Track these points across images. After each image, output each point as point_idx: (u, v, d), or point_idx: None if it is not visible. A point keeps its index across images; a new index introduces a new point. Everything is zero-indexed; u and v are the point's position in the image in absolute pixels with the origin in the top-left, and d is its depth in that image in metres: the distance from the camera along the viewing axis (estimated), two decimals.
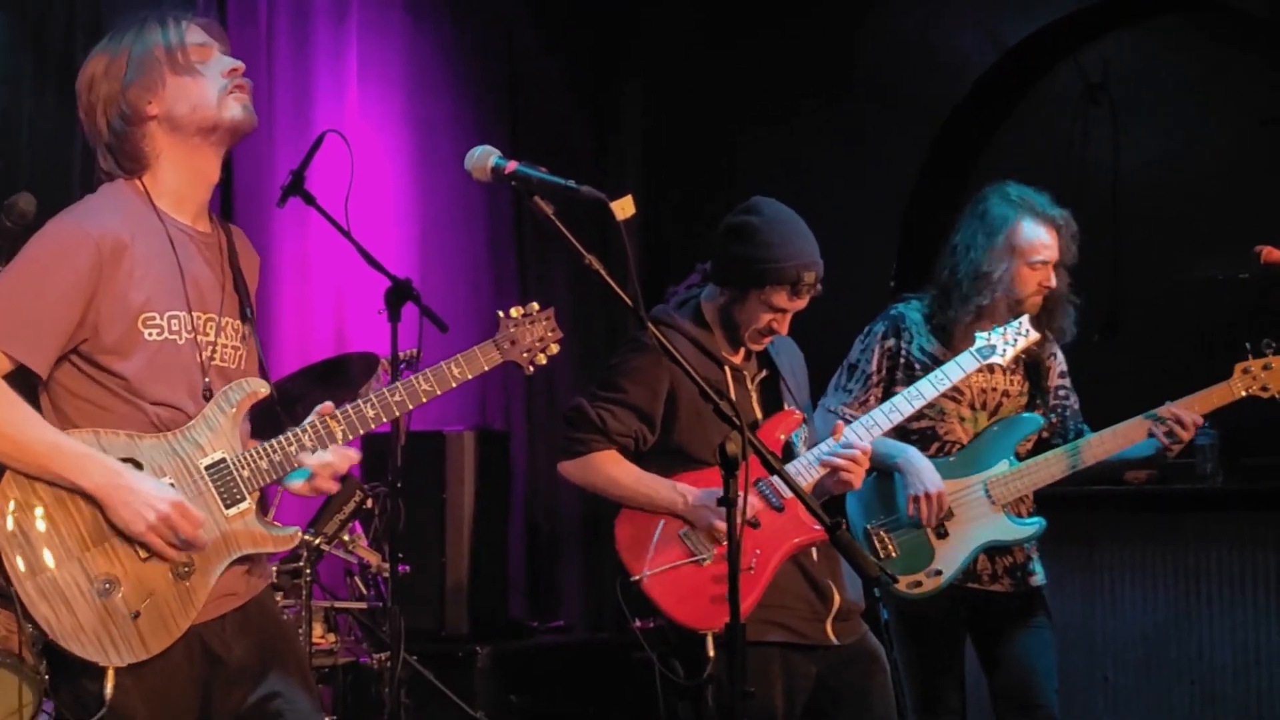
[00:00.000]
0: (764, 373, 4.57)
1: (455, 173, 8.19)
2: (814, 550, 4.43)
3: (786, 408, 4.52)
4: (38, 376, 3.34)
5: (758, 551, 4.26)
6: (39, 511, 3.26)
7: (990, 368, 4.77)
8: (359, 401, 3.50)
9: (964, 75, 7.83)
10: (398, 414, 3.53)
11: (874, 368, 5.08)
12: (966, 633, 5.15)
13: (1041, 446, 5.07)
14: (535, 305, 3.79)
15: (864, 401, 5.02)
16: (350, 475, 6.06)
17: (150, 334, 3.37)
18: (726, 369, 4.44)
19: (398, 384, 3.55)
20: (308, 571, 5.55)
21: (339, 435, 3.47)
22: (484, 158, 3.46)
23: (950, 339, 5.02)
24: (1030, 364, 5.11)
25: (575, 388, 8.68)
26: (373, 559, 6.14)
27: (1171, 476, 6.78)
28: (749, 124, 8.48)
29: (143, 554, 3.30)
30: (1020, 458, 5.00)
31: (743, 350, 4.54)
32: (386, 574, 6.14)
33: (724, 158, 8.51)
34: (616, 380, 4.45)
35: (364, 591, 6.20)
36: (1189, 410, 4.84)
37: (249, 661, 3.47)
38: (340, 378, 5.98)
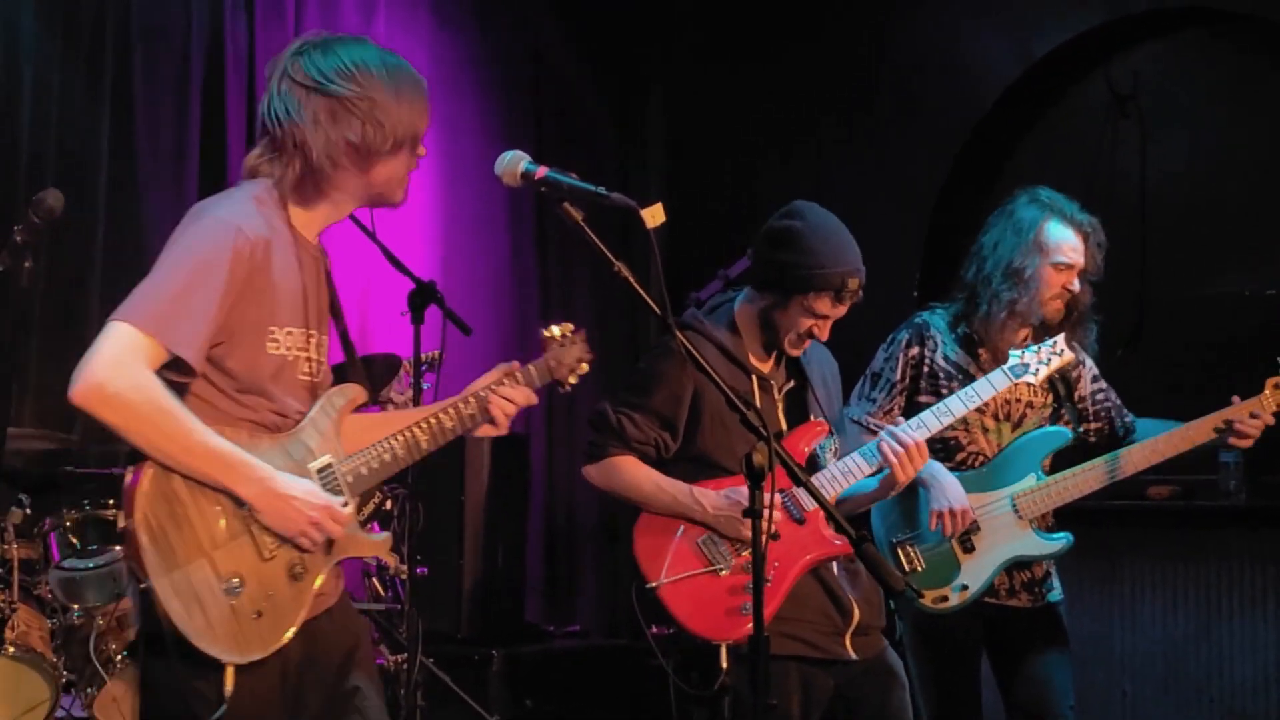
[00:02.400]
0: (791, 383, 4.54)
1: (479, 176, 8.29)
2: (834, 564, 4.41)
3: (812, 419, 4.50)
4: (172, 375, 3.35)
5: (776, 564, 4.24)
6: (176, 509, 3.29)
7: None
8: (439, 413, 3.62)
9: (992, 85, 7.82)
10: (470, 426, 3.67)
11: (898, 376, 5.05)
12: (983, 647, 5.11)
13: (1085, 454, 5.03)
14: (570, 327, 3.90)
15: (888, 410, 5.00)
16: None
17: (271, 347, 3.43)
18: (754, 378, 4.41)
19: (471, 397, 3.66)
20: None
21: (424, 443, 3.59)
22: (514, 163, 3.47)
23: (985, 340, 4.99)
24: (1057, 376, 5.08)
25: (595, 392, 8.68)
26: (391, 561, 6.12)
27: (1194, 493, 6.77)
28: (773, 131, 8.48)
29: (266, 554, 3.36)
30: (1046, 472, 4.96)
31: (773, 358, 4.51)
32: (404, 576, 6.14)
33: (747, 166, 8.51)
34: (640, 386, 4.43)
35: (381, 593, 6.20)
36: (1252, 413, 4.82)
37: (336, 657, 3.56)
38: (362, 380, 5.98)
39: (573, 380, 3.86)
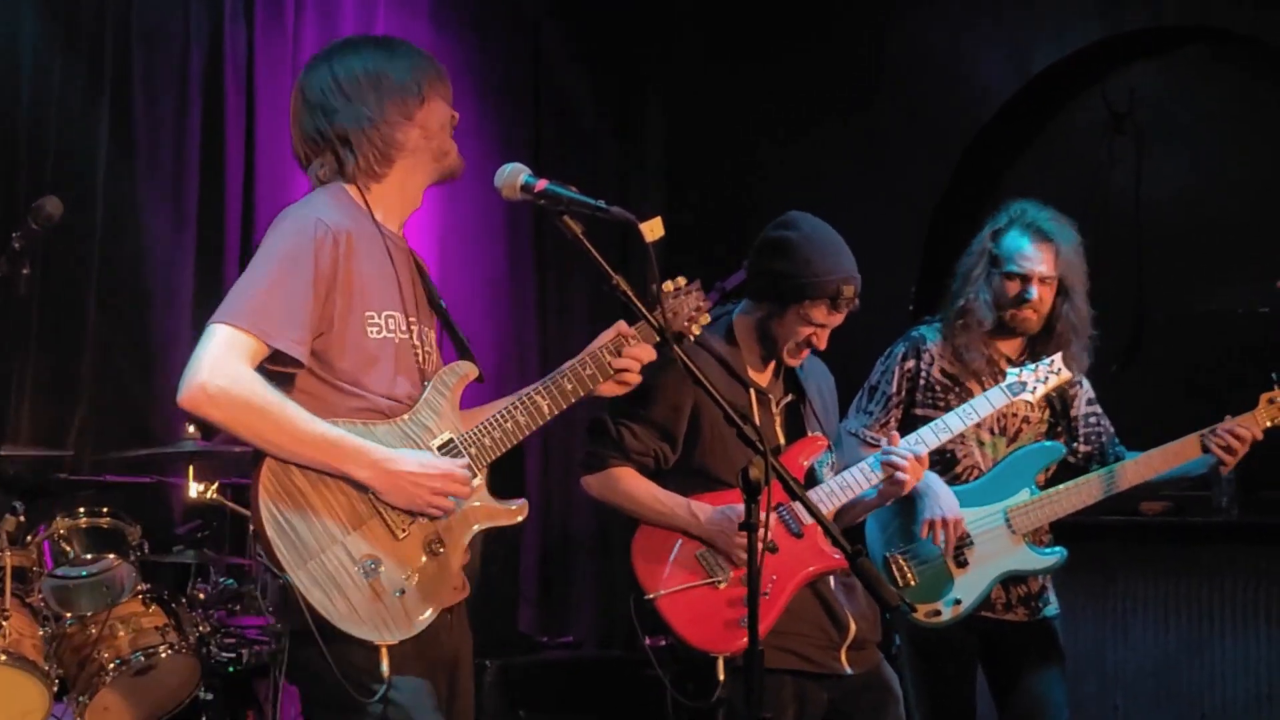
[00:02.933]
0: (789, 397, 4.55)
1: (476, 185, 8.22)
2: (831, 578, 4.42)
3: (811, 433, 4.50)
4: (276, 369, 3.41)
5: (774, 577, 4.25)
6: (299, 501, 3.35)
7: None
8: (557, 378, 3.72)
9: (989, 100, 7.83)
10: (591, 386, 3.74)
11: (894, 389, 5.07)
12: (978, 661, 5.12)
13: (1073, 473, 5.04)
14: (683, 279, 3.93)
15: (885, 423, 5.02)
16: None
17: (373, 332, 3.49)
18: (752, 391, 4.42)
19: (586, 359, 3.74)
20: None
21: (546, 407, 3.66)
22: (514, 175, 3.49)
23: (959, 351, 5.02)
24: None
25: (591, 402, 8.69)
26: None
27: (1187, 508, 6.79)
28: (771, 143, 8.49)
29: (399, 533, 3.41)
30: (1040, 487, 4.97)
31: (771, 370, 4.53)
32: None
33: (746, 177, 8.52)
34: (640, 397, 4.42)
35: None
36: (1244, 425, 4.82)
37: (454, 654, 3.64)
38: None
39: (695, 330, 3.91)
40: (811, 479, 4.43)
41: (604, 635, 8.62)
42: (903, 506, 4.92)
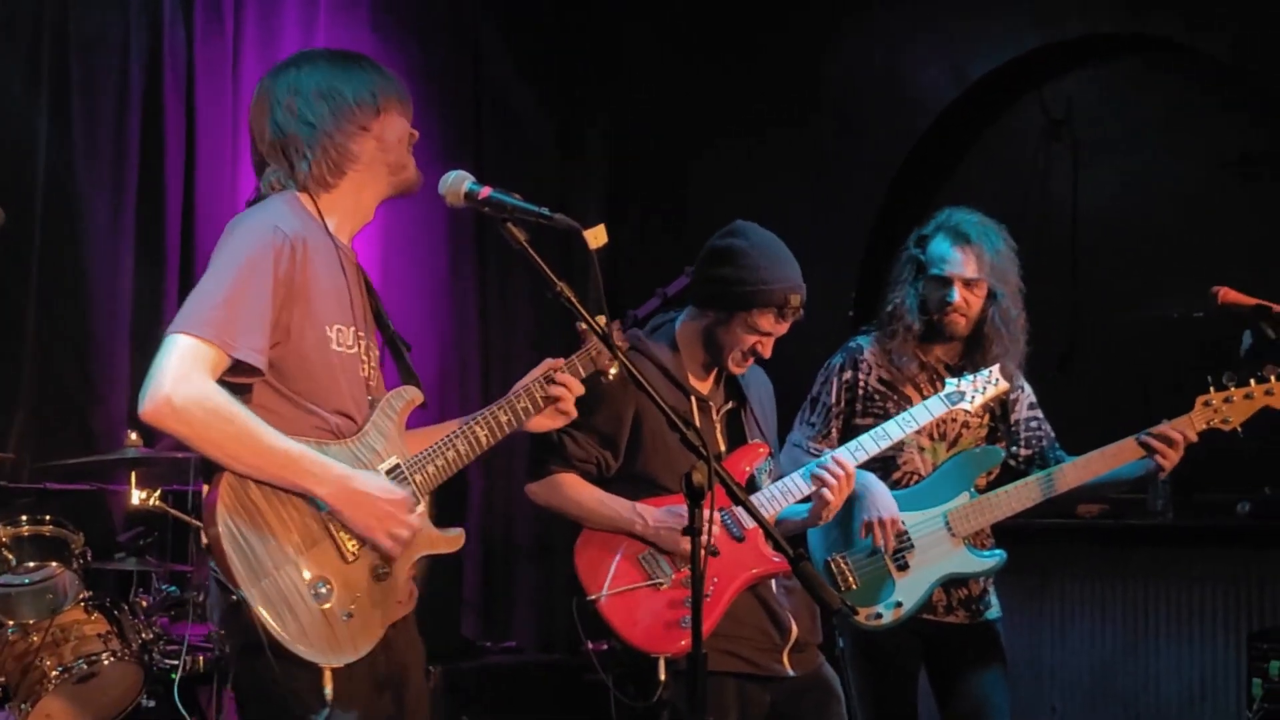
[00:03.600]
0: (730, 404, 4.58)
1: (419, 193, 8.27)
2: (773, 581, 4.45)
3: (751, 440, 4.54)
4: (234, 380, 3.37)
5: (715, 579, 4.27)
6: (256, 517, 3.32)
7: None
8: (495, 410, 3.72)
9: (927, 108, 7.88)
10: (524, 419, 3.76)
11: (834, 400, 5.09)
12: (921, 664, 5.15)
13: (1013, 477, 5.07)
14: (603, 318, 3.84)
15: (826, 435, 5.05)
16: None
17: (328, 342, 3.48)
18: (693, 398, 4.45)
19: (522, 392, 3.76)
20: None
21: (483, 437, 3.67)
22: (458, 183, 3.50)
23: (894, 359, 5.07)
24: None
25: None
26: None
27: (1123, 511, 6.84)
28: (712, 152, 8.52)
29: (349, 556, 3.39)
30: (980, 490, 5.01)
31: (712, 379, 4.55)
32: None
33: (686, 185, 8.55)
34: (582, 405, 4.43)
35: None
36: (1179, 427, 4.87)
37: (400, 668, 3.61)
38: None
39: (614, 370, 3.89)
40: (752, 486, 4.46)
41: (545, 640, 8.64)
42: (843, 511, 4.94)
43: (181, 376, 3.26)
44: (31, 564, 5.58)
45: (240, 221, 3.49)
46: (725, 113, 8.44)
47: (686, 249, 4.70)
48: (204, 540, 3.35)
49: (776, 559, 4.35)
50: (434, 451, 3.59)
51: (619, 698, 4.29)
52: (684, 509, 4.16)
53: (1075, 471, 4.97)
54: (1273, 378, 4.85)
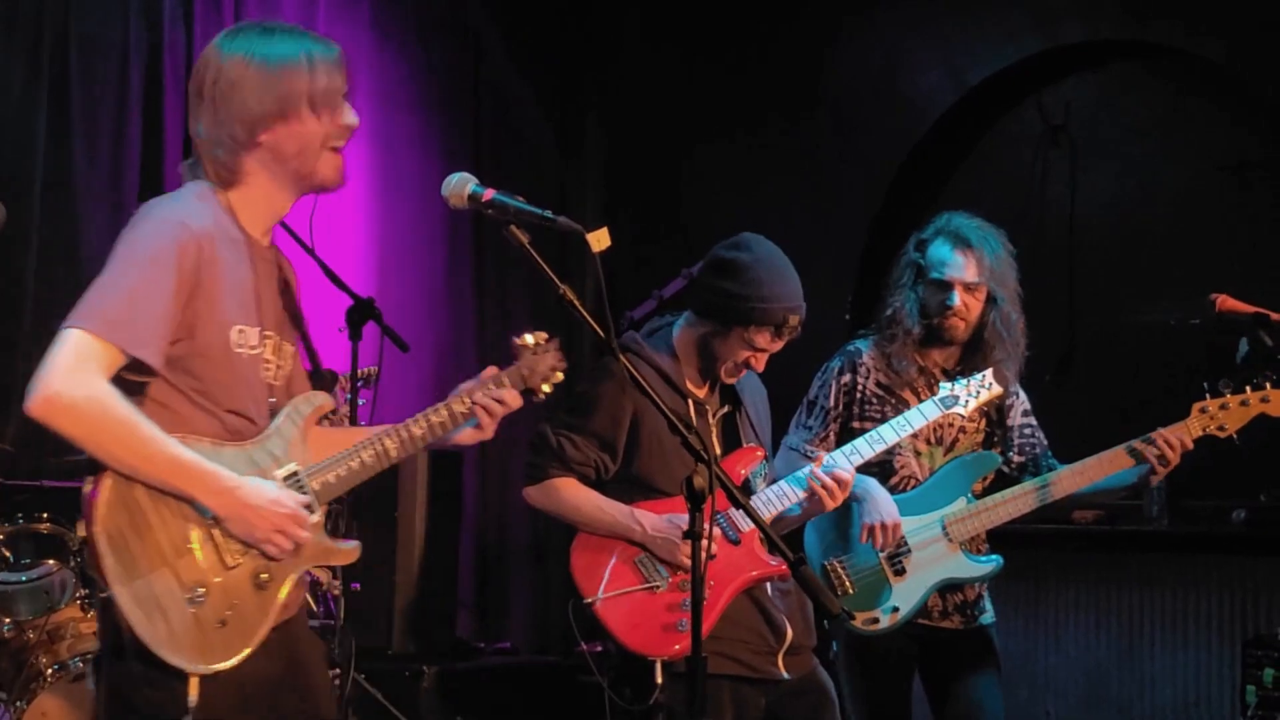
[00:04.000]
0: (725, 408, 4.60)
1: (417, 192, 8.29)
2: (768, 584, 4.46)
3: (747, 444, 4.55)
4: (131, 378, 3.30)
5: (711, 583, 4.27)
6: (137, 517, 3.25)
7: None
8: (409, 422, 3.59)
9: (926, 113, 7.88)
10: (440, 433, 3.64)
11: (831, 403, 5.10)
12: (915, 668, 5.15)
13: (1007, 484, 5.08)
14: (543, 335, 3.86)
15: (824, 438, 5.05)
16: None
17: (233, 344, 3.39)
18: (690, 402, 4.46)
19: (441, 406, 3.65)
20: None
21: (393, 449, 3.56)
22: (461, 185, 3.48)
23: (893, 363, 5.07)
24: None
25: (527, 408, 8.71)
26: (323, 576, 6.12)
27: (1118, 517, 6.84)
28: (710, 155, 8.52)
29: (230, 562, 3.32)
30: (977, 495, 5.02)
31: (709, 384, 4.57)
32: (337, 591, 6.13)
33: (684, 187, 8.55)
34: (580, 408, 4.46)
35: (314, 609, 6.18)
36: (1175, 434, 4.88)
37: (288, 671, 3.52)
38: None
39: (546, 389, 3.82)
40: (746, 489, 4.48)
41: (539, 641, 8.64)
42: (841, 515, 4.94)
43: (71, 373, 3.19)
44: (27, 561, 5.57)
45: (148, 213, 3.39)
46: (724, 115, 8.44)
47: (683, 251, 4.71)
48: (81, 534, 3.30)
49: (773, 562, 4.37)
50: (337, 461, 3.49)
51: (615, 700, 4.30)
52: (682, 518, 4.21)
53: (1071, 478, 4.98)
54: (1269, 385, 4.86)
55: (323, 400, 3.57)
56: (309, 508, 3.41)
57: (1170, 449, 4.85)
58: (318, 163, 3.50)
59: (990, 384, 4.83)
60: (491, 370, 3.72)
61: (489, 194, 3.44)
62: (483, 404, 3.67)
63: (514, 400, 3.71)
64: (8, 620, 5.50)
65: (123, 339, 3.23)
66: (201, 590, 3.28)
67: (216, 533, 3.31)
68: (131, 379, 3.29)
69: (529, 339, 3.83)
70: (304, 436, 3.50)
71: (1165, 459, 4.85)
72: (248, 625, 3.35)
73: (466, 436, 3.72)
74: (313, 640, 3.76)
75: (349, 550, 3.59)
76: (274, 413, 3.48)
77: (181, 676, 3.26)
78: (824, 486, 4.42)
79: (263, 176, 3.47)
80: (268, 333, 3.49)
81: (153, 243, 3.31)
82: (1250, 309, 4.89)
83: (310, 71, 3.44)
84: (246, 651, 3.34)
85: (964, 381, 4.82)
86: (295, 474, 3.44)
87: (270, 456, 3.42)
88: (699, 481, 3.19)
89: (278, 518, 3.33)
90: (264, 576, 3.37)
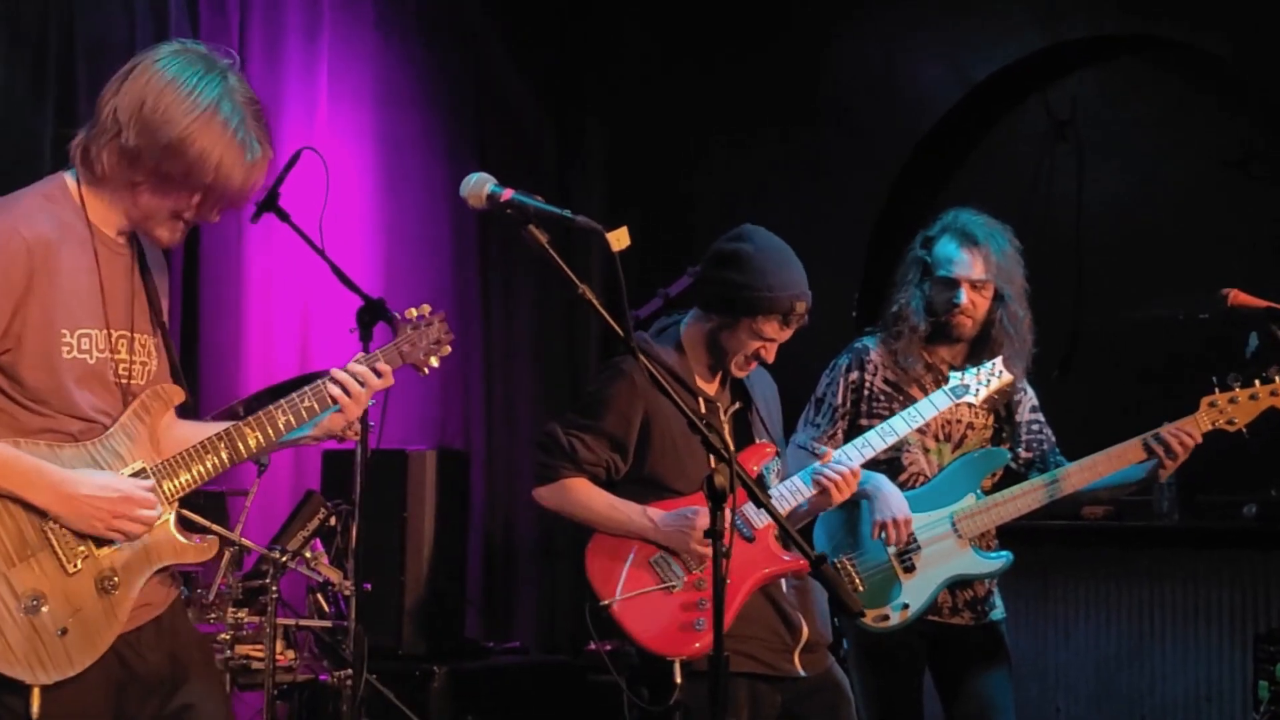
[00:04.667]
0: (736, 405, 4.60)
1: (422, 192, 8.28)
2: (783, 581, 4.47)
3: (758, 440, 4.55)
4: None
5: (727, 581, 4.26)
6: None
7: None
8: (270, 408, 3.49)
9: (931, 109, 7.88)
10: (306, 418, 3.52)
11: (839, 401, 5.11)
12: (926, 665, 5.15)
13: (1015, 480, 5.09)
14: (427, 307, 3.78)
15: (832, 435, 5.05)
16: (314, 492, 6.07)
17: (64, 351, 3.31)
18: (701, 400, 4.46)
19: (305, 390, 3.53)
20: (274, 589, 5.54)
21: (252, 443, 3.47)
22: (479, 185, 3.48)
23: (900, 360, 5.07)
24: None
25: (535, 408, 8.76)
26: (334, 576, 6.12)
27: (1128, 513, 6.84)
28: (713, 153, 8.51)
29: (70, 568, 3.26)
30: (986, 492, 5.02)
31: (718, 380, 4.57)
32: (348, 592, 6.13)
33: (687, 185, 8.55)
34: (591, 408, 4.46)
35: (325, 609, 6.19)
36: (1184, 429, 4.88)
37: (163, 672, 3.46)
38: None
39: (433, 362, 3.74)
40: (759, 486, 4.46)
41: (549, 640, 8.65)
42: (850, 512, 4.96)
43: None
44: None
45: None
46: (727, 113, 8.44)
47: (688, 249, 4.71)
48: None
49: (786, 558, 4.38)
50: (189, 457, 3.42)
51: (633, 701, 4.30)
52: (693, 510, 4.22)
53: (1080, 473, 4.98)
54: (1278, 379, 4.86)
55: (171, 393, 3.50)
56: (156, 497, 3.35)
57: (1179, 444, 4.84)
58: (159, 226, 3.43)
59: (1000, 372, 4.83)
60: (360, 355, 3.63)
61: (507, 194, 3.44)
62: (342, 381, 3.55)
63: (371, 378, 3.58)
64: None
65: None
66: (37, 599, 3.22)
67: (55, 538, 3.26)
68: None
69: (411, 312, 3.75)
70: (152, 433, 3.43)
71: (1174, 453, 4.85)
72: (92, 632, 3.29)
73: (332, 423, 3.57)
74: (197, 639, 3.70)
75: (202, 547, 3.49)
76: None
77: (23, 689, 3.21)
78: (830, 481, 4.41)
79: (120, 195, 3.37)
80: (120, 331, 3.41)
81: None
82: (1263, 303, 4.90)
83: (227, 166, 3.35)
84: (91, 660, 3.28)
85: (974, 370, 4.82)
86: (142, 471, 3.38)
87: (114, 454, 3.37)
88: (720, 480, 3.19)
89: (112, 502, 3.27)
90: (110, 580, 3.31)
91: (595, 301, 3.33)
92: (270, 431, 3.48)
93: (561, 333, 8.88)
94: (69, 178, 3.40)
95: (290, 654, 5.98)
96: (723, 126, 8.47)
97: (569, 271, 3.33)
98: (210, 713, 3.52)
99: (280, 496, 6.98)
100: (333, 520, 6.06)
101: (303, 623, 5.97)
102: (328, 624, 6.07)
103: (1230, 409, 4.88)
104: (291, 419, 3.51)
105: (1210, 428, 4.89)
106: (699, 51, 8.58)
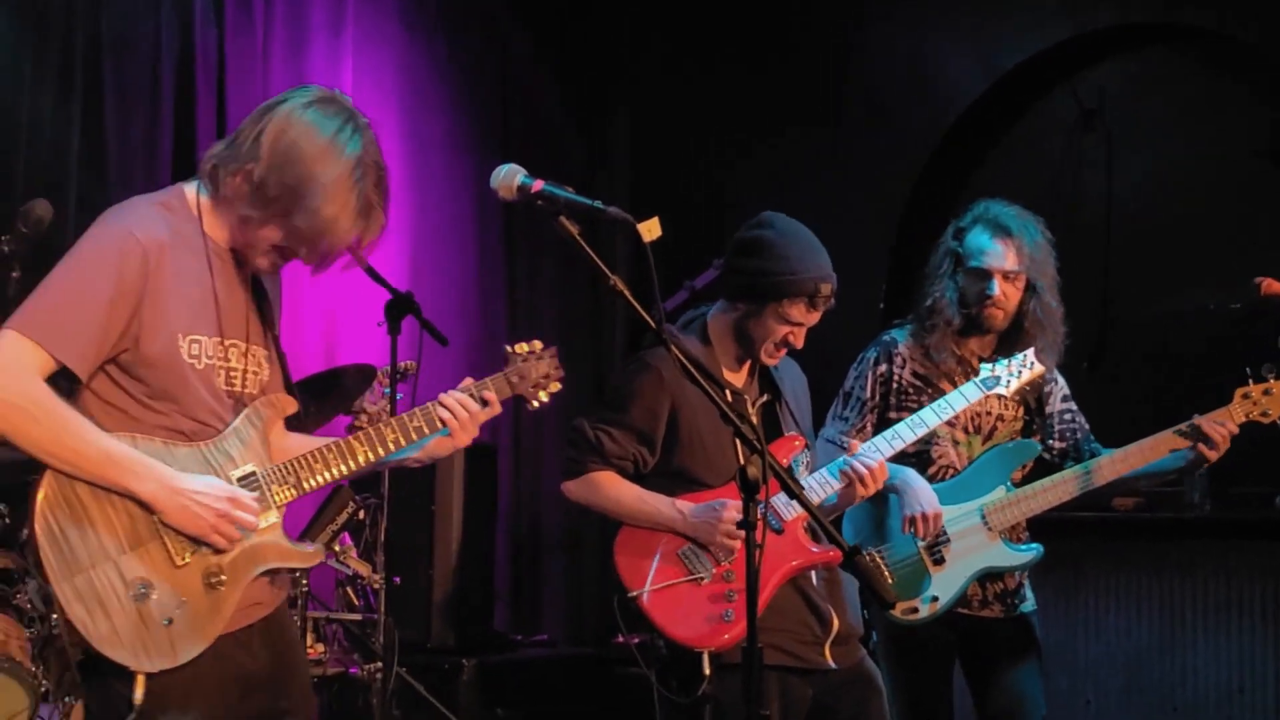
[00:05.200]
0: (765, 397, 4.58)
1: (447, 187, 8.29)
2: (813, 574, 4.45)
3: (787, 433, 4.54)
4: (74, 381, 3.32)
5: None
6: (78, 513, 3.25)
7: None
8: (379, 425, 3.56)
9: (958, 100, 7.88)
10: (415, 439, 3.58)
11: (868, 394, 5.09)
12: (956, 657, 5.14)
13: (1049, 470, 5.07)
14: (539, 343, 3.82)
15: (861, 428, 5.03)
16: (343, 486, 6.08)
17: (179, 353, 3.37)
18: (728, 392, 4.45)
19: (416, 410, 3.60)
20: (304, 582, 5.55)
21: (361, 458, 3.54)
22: (510, 176, 3.47)
23: (931, 351, 5.06)
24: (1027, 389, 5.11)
25: (562, 402, 8.74)
26: (363, 570, 6.14)
27: (1158, 504, 6.80)
28: (738, 144, 8.52)
29: (178, 560, 3.31)
30: (1016, 484, 5.00)
31: (746, 370, 4.56)
32: (377, 585, 6.15)
33: (712, 178, 8.55)
34: (618, 402, 4.45)
35: (355, 602, 6.20)
36: (1221, 420, 4.84)
37: (270, 671, 3.51)
38: (336, 391, 5.98)
39: (543, 397, 3.80)
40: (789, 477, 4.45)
41: (576, 633, 8.66)
42: (878, 505, 4.94)
43: (3, 373, 3.22)
44: None
45: (102, 219, 3.41)
46: (752, 105, 8.44)
47: (713, 242, 4.70)
48: (24, 532, 3.30)
49: (815, 550, 4.36)
50: (299, 465, 3.48)
51: (662, 693, 4.29)
52: (721, 504, 4.21)
53: (1113, 465, 4.96)
54: None
55: (284, 403, 3.55)
56: (263, 508, 3.41)
57: (1218, 434, 4.82)
58: (262, 256, 3.48)
59: (1032, 363, 4.81)
60: (469, 380, 3.67)
61: (538, 185, 3.43)
62: (450, 406, 3.61)
63: (474, 407, 3.62)
64: (55, 617, 5.50)
65: (51, 344, 3.25)
66: (146, 586, 3.27)
67: (164, 530, 3.30)
68: (86, 390, 3.33)
69: (522, 346, 3.79)
70: (264, 439, 3.49)
71: (1213, 443, 4.83)
72: (197, 625, 3.33)
73: (439, 447, 3.66)
74: (298, 641, 3.75)
75: (309, 553, 3.57)
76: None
77: (128, 675, 3.26)
78: (856, 474, 4.40)
79: (238, 212, 3.42)
80: (232, 340, 3.47)
81: (94, 251, 3.33)
82: None
83: (343, 222, 3.42)
84: (195, 651, 3.32)
85: (1005, 362, 4.80)
86: (252, 474, 3.43)
87: (226, 456, 3.42)
88: (753, 472, 3.18)
89: (215, 502, 3.31)
90: (217, 577, 3.35)
91: (626, 292, 3.32)
92: (379, 448, 3.55)
93: (587, 327, 8.89)
94: (189, 189, 3.48)
95: (320, 647, 6.00)
96: (748, 120, 8.46)
97: (600, 263, 3.32)
98: (306, 709, 3.61)
99: None
100: (361, 514, 6.08)
101: (332, 616, 5.99)
102: (357, 617, 6.09)
103: (1265, 400, 4.85)
104: (400, 438, 3.57)
105: (1244, 419, 4.86)
106: (724, 46, 8.58)
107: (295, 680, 3.60)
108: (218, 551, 3.35)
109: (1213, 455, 4.86)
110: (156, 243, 3.34)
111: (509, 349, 3.77)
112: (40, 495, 3.24)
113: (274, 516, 3.45)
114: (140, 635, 3.26)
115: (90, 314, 3.28)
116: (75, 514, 3.25)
